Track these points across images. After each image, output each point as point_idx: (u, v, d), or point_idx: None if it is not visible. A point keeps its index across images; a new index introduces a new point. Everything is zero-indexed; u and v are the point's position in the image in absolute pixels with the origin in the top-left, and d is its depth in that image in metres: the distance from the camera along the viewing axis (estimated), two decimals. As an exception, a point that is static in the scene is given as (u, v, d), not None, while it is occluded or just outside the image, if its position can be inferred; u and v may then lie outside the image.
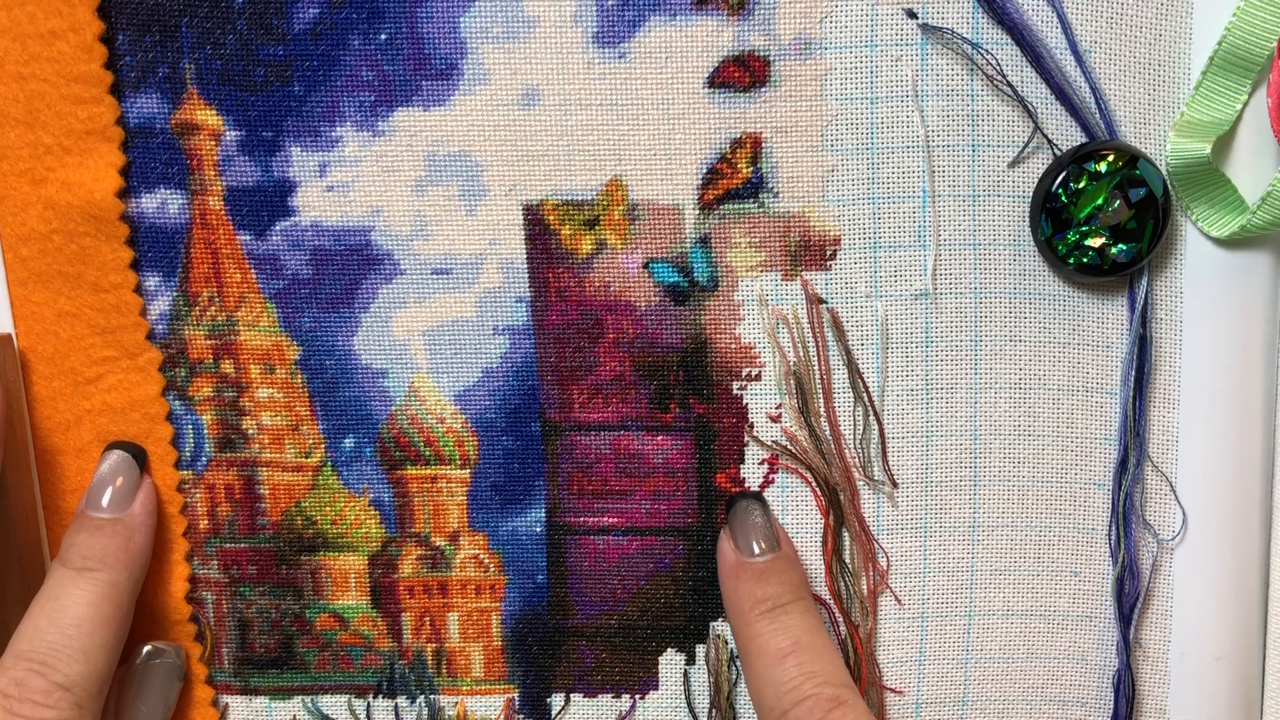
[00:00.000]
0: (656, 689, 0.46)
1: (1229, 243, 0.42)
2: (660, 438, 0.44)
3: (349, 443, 0.45)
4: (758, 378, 0.44)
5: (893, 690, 0.46)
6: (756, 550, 0.42)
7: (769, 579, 0.42)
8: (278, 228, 0.43)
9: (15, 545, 0.44)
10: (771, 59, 0.41)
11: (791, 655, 0.40)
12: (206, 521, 0.45)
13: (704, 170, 0.42)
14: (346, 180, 0.43)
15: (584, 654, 0.46)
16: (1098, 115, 0.41)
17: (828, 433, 0.44)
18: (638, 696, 0.46)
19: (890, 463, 0.44)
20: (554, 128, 0.42)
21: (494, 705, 0.47)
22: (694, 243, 0.43)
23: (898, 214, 0.42)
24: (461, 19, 0.41)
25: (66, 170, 0.42)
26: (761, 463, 0.44)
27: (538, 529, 0.45)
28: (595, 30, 0.41)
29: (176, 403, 0.44)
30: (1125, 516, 0.44)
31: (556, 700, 0.46)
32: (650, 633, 0.46)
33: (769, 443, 0.44)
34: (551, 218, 0.43)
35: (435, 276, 0.43)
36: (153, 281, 0.43)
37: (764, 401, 0.44)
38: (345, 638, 0.46)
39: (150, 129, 0.42)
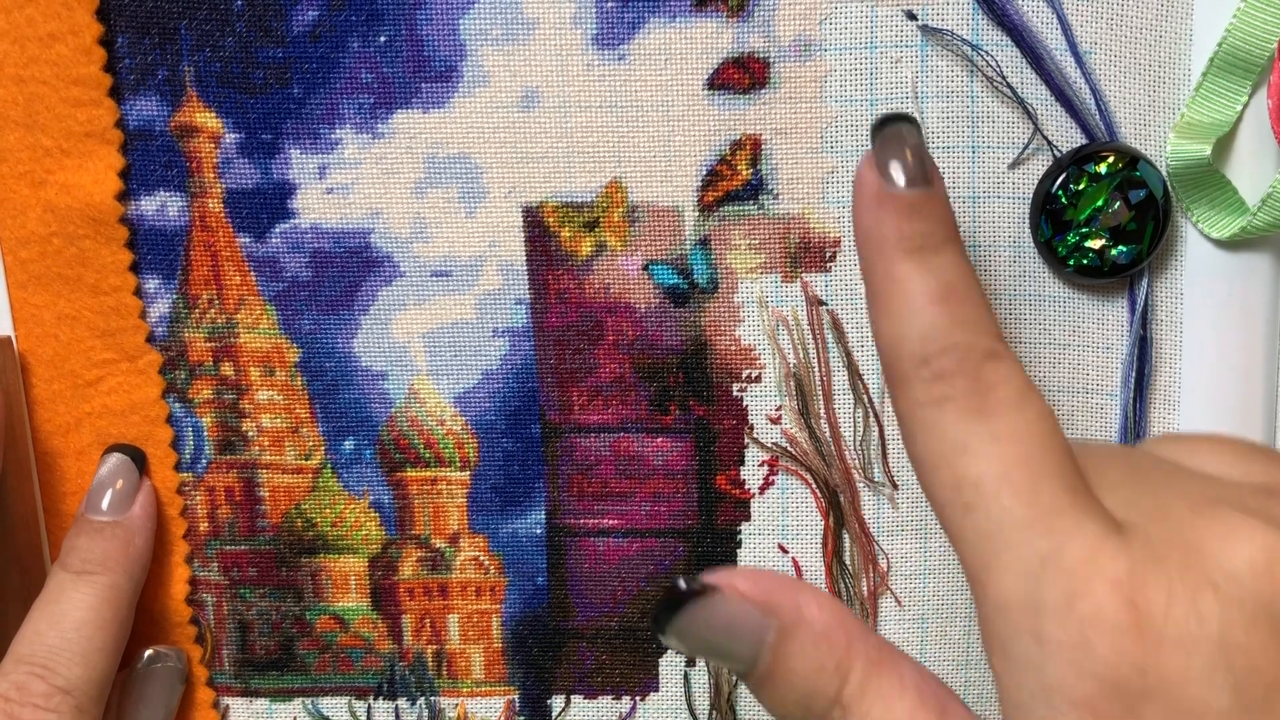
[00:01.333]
0: (657, 691, 0.46)
1: (1229, 244, 0.42)
2: (660, 440, 0.44)
3: (349, 445, 0.45)
4: (757, 379, 0.44)
5: (893, 692, 0.46)
6: (904, 180, 0.34)
7: (921, 214, 0.34)
8: (277, 230, 0.43)
9: (15, 548, 0.44)
10: (771, 61, 0.41)
11: (942, 300, 0.34)
12: (207, 524, 0.45)
13: (703, 172, 0.42)
14: (346, 182, 0.43)
15: (584, 656, 0.46)
16: (1098, 117, 0.41)
17: (828, 434, 0.44)
18: (638, 698, 0.46)
19: (891, 464, 0.44)
20: (553, 130, 0.42)
21: (494, 707, 0.47)
22: (694, 245, 0.43)
23: (898, 216, 0.42)
24: (461, 21, 0.41)
25: (66, 173, 0.42)
26: (761, 464, 0.44)
27: (538, 531, 0.45)
28: (595, 32, 0.41)
29: (176, 405, 0.44)
30: (1125, 518, 0.44)
31: (557, 702, 0.46)
32: (651, 635, 0.46)
33: (769, 444, 0.44)
34: (551, 220, 0.43)
35: (435, 279, 0.43)
36: (152, 284, 0.43)
37: (764, 403, 0.44)
38: (345, 640, 0.46)
39: (150, 131, 0.42)
